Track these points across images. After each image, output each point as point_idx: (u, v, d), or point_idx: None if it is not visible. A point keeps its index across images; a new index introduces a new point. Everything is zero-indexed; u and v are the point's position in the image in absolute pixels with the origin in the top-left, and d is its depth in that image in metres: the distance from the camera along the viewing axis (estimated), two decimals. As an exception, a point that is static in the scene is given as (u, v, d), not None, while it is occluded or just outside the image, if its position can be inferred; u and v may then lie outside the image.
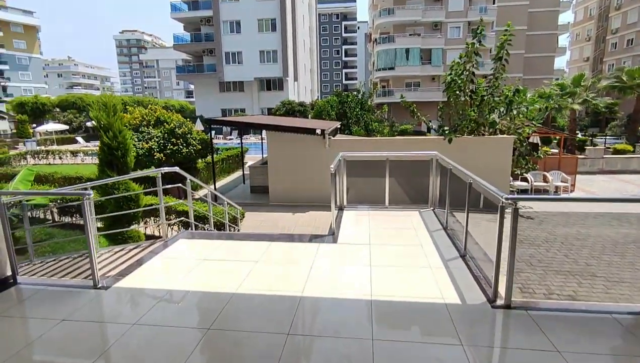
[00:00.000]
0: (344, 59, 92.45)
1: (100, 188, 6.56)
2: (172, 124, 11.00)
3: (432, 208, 6.27)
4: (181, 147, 10.94)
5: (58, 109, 47.38)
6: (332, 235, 5.08)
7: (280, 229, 9.68)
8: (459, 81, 9.99)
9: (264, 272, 3.97)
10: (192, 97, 61.32)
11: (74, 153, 22.70)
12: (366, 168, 7.53)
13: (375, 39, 44.79)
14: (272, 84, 41.79)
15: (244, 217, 8.36)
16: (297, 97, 43.95)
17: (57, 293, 3.64)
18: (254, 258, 4.31)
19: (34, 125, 38.05)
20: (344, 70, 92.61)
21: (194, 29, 42.35)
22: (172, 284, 3.71)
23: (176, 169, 5.32)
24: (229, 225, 8.09)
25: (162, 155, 10.65)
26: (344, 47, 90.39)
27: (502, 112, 9.67)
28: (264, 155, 17.99)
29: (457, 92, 10.20)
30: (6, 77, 71.54)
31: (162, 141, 10.78)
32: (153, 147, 10.55)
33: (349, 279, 3.76)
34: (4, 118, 37.34)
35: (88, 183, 5.46)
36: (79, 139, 34.27)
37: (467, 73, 9.84)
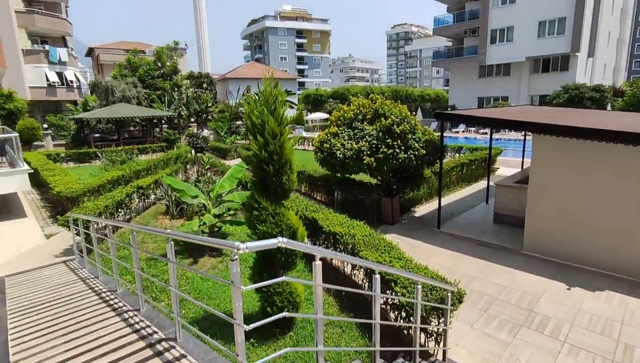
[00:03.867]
0: (679, 20, 63.22)
1: (254, 208, 4.53)
2: (390, 119, 8.20)
3: None
4: (397, 150, 8.00)
5: (331, 100, 55.54)
6: None
7: (535, 327, 5.13)
8: None
9: None
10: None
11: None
12: None
13: None
14: (552, 64, 32.12)
15: (460, 301, 4.47)
16: (589, 79, 32.20)
17: None
18: None
19: (308, 113, 45.46)
20: (678, 37, 63.54)
21: (458, 8, 38.00)
22: None
23: (280, 241, 2.33)
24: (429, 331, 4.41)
25: (372, 159, 8.09)
26: (685, 1, 61.40)
27: None
28: (524, 165, 12.54)
29: None
30: (305, 75, 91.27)
31: (374, 141, 8.20)
32: (363, 148, 8.15)
33: None
34: (292, 108, 46.54)
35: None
36: (338, 126, 37.90)
37: None
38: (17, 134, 10.03)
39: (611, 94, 25.68)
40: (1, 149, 10.87)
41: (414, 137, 8.32)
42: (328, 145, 8.58)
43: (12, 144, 11.07)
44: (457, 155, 16.43)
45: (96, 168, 17.37)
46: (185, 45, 53.32)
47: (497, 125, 7.56)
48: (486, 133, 30.50)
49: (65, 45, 35.38)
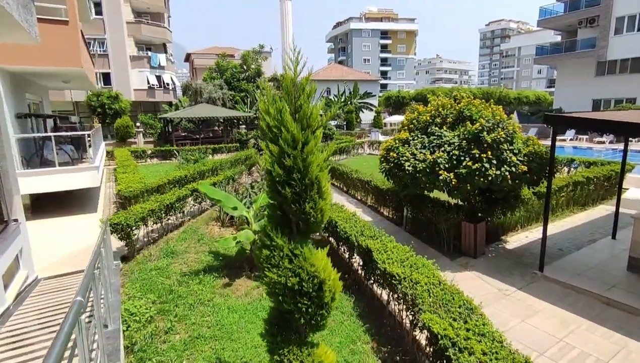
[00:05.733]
0: None
1: (264, 245, 3.24)
2: (478, 124, 6.26)
3: None
4: (487, 165, 6.04)
5: (413, 102, 52.60)
6: None
7: None
8: None
9: None
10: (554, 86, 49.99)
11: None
12: None
13: None
14: None
15: None
16: None
17: None
18: None
19: (387, 116, 43.43)
20: None
21: (572, -6, 32.40)
22: None
23: None
24: None
25: (451, 175, 6.26)
26: None
27: None
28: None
29: None
30: (388, 77, 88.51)
31: (455, 152, 6.34)
32: (440, 160, 6.35)
33: None
34: (371, 110, 44.88)
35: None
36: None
37: None
38: (89, 132, 10.34)
39: None
40: (80, 145, 11.37)
41: (511, 148, 6.25)
42: (395, 154, 6.96)
43: (93, 140, 11.60)
44: (566, 169, 13.27)
45: (173, 166, 18.02)
46: (270, 48, 55.18)
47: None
48: (603, 142, 25.24)
49: (165, 51, 38.82)
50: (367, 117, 47.42)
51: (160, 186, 10.73)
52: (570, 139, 27.64)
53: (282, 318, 3.37)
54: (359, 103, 44.81)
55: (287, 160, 2.91)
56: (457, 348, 3.22)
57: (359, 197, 12.07)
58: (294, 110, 3.07)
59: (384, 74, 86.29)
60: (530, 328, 5.01)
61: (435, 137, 6.81)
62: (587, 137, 27.35)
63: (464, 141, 6.42)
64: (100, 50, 32.62)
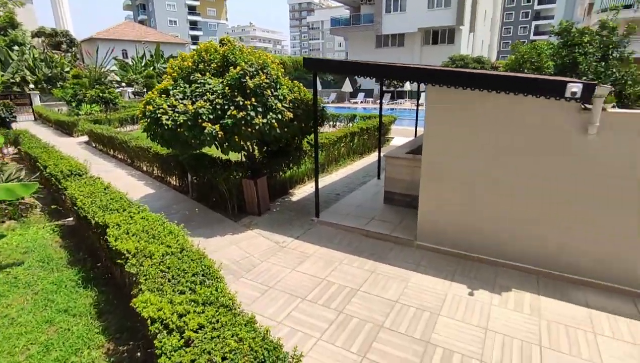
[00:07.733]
0: (536, 7, 74.96)
1: None
2: (239, 68, 5.66)
3: None
4: (252, 113, 5.56)
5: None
6: None
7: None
8: None
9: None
10: (348, 57, 57.09)
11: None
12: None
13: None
14: (440, 36, 32.97)
15: None
16: (471, 52, 33.94)
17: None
18: None
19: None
20: (534, 23, 75.31)
21: (354, -28, 36.52)
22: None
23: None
24: None
25: (217, 127, 5.52)
26: (540, -11, 71.63)
27: None
28: (417, 133, 11.37)
29: None
30: (200, 42, 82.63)
31: (219, 101, 5.61)
32: (202, 111, 5.50)
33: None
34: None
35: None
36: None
37: None
38: None
39: (490, 66, 27.11)
40: None
41: (275, 93, 5.94)
42: (152, 108, 5.70)
43: None
44: (350, 124, 14.84)
45: None
46: (31, -8, 42.26)
47: (378, 73, 5.67)
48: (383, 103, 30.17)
49: None
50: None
51: None
52: (361, 102, 31.97)
53: None
54: (164, 68, 39.94)
55: None
56: (166, 331, 2.48)
57: (144, 169, 10.29)
58: None
59: (195, 39, 79.99)
60: (299, 275, 4.92)
61: (198, 85, 5.87)
62: (372, 99, 32.21)
63: (227, 88, 5.71)
64: None
